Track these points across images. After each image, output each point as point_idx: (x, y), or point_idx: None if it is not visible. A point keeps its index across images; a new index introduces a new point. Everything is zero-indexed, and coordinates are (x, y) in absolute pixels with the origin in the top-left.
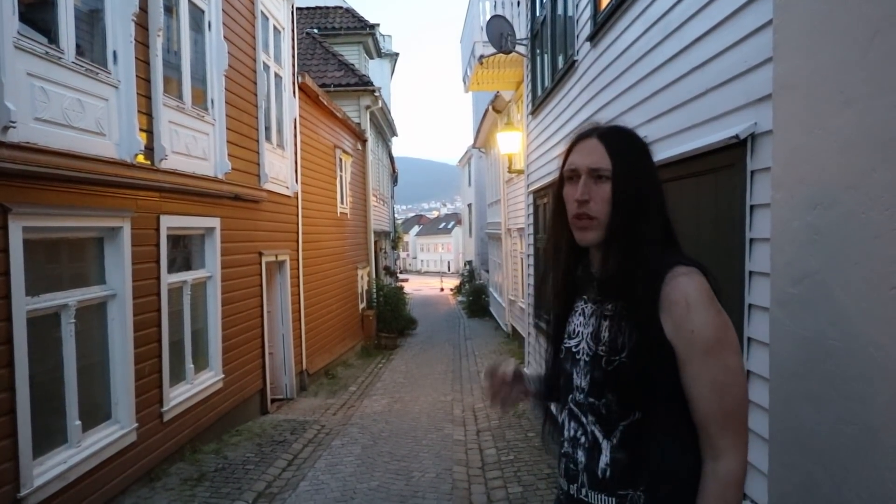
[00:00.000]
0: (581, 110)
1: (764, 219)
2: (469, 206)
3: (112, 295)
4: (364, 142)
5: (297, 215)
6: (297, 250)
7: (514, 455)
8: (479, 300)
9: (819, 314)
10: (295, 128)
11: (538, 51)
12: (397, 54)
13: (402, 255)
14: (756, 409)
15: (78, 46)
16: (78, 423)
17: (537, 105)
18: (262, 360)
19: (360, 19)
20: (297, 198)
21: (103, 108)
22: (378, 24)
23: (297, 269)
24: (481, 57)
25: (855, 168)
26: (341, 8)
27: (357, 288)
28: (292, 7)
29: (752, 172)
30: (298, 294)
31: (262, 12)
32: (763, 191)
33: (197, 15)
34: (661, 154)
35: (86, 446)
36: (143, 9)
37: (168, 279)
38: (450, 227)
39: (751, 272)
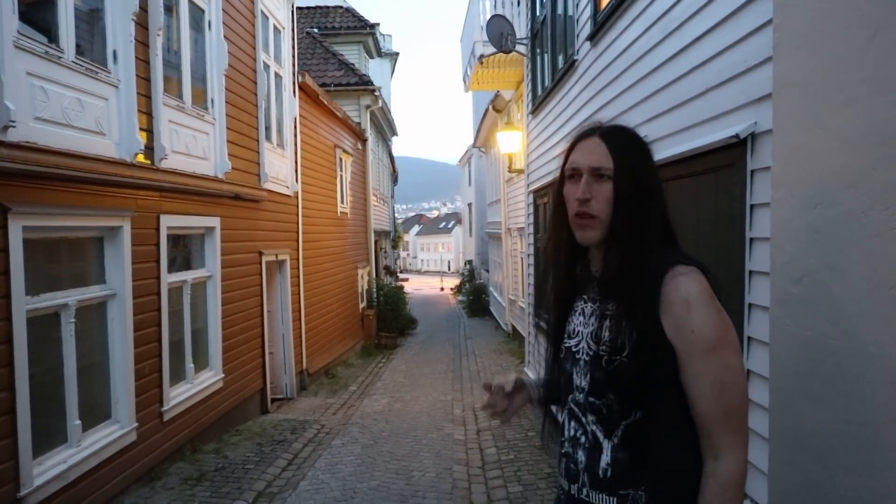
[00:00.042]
0: (581, 110)
1: (764, 218)
2: (469, 205)
3: (112, 294)
4: (364, 141)
5: (298, 215)
6: (298, 250)
7: (514, 454)
8: (479, 300)
9: (819, 313)
10: (295, 127)
11: (538, 50)
12: (397, 54)
13: (403, 254)
14: (756, 409)
15: (78, 46)
16: (78, 422)
17: (537, 104)
18: (263, 359)
19: (361, 19)
20: (297, 197)
21: (103, 108)
22: (378, 24)
23: (298, 268)
24: (481, 56)
25: (855, 167)
26: (341, 7)
27: (357, 287)
28: (292, 6)
29: (752, 172)
30: (298, 293)
31: (262, 12)
32: (763, 190)
33: (197, 14)
34: (661, 153)
35: (86, 446)
36: (143, 8)
37: (168, 279)
38: (450, 226)
39: (751, 271)
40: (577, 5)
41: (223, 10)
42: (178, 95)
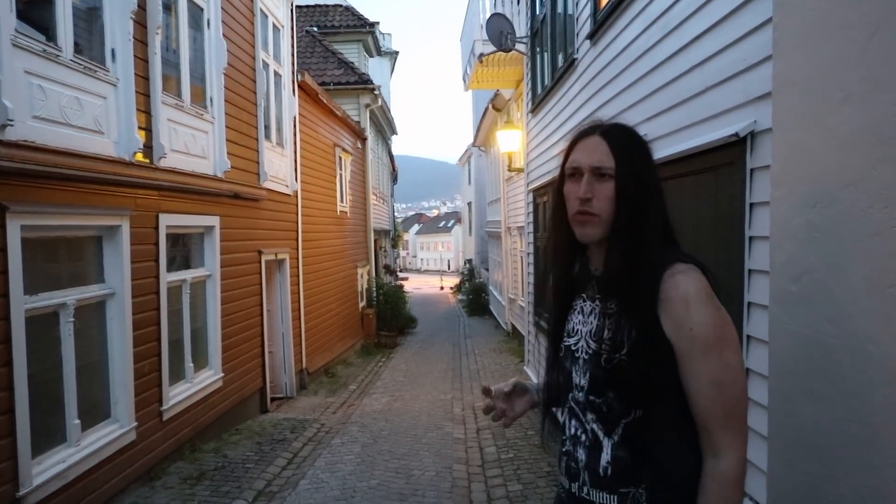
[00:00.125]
0: (581, 108)
1: (763, 217)
2: (469, 204)
3: (111, 294)
4: (364, 140)
5: (297, 214)
6: (297, 249)
7: (513, 453)
8: (478, 299)
9: (818, 312)
10: (294, 126)
11: (538, 49)
12: (397, 53)
13: (402, 253)
14: (755, 407)
15: (76, 44)
16: (77, 422)
17: (537, 103)
18: (262, 358)
19: (360, 17)
20: (296, 196)
21: (102, 106)
22: (378, 23)
23: (297, 267)
24: (481, 55)
25: (854, 165)
26: (341, 6)
27: (357, 286)
28: (291, 5)
29: (752, 170)
30: (298, 293)
31: (261, 10)
32: (763, 189)
33: (196, 13)
34: (661, 152)
35: (85, 445)
36: (142, 6)
37: (167, 278)
38: (450, 225)
39: (750, 270)
40: (577, 4)
41: (222, 8)
42: (176, 94)
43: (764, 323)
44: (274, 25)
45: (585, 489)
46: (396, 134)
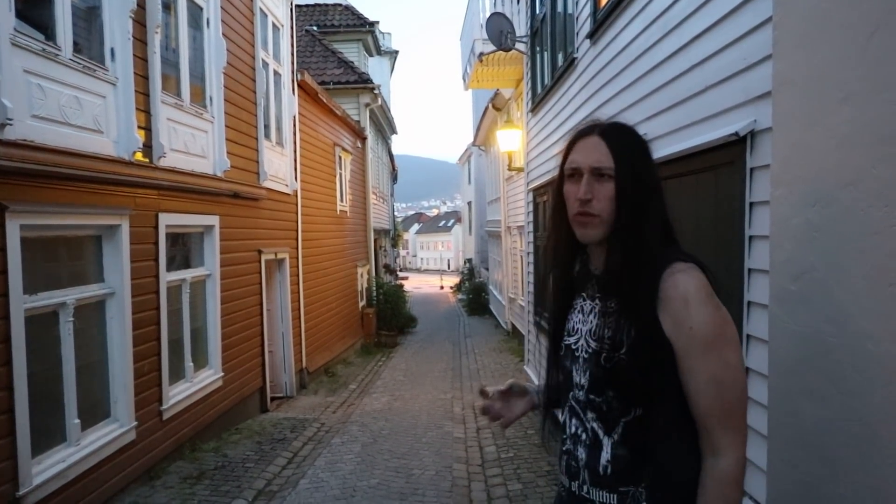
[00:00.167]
0: (581, 108)
1: (763, 216)
2: (469, 203)
3: (111, 293)
4: (363, 139)
5: (297, 213)
6: (297, 248)
7: (513, 452)
8: (478, 298)
9: (818, 311)
10: (294, 125)
11: (538, 48)
12: (397, 52)
13: (402, 253)
14: (755, 406)
15: (75, 43)
16: (77, 421)
17: (537, 103)
18: (262, 358)
19: (360, 17)
20: (296, 196)
21: (101, 106)
22: (377, 22)
23: (297, 267)
24: (481, 54)
25: (854, 164)
26: (340, 5)
27: (357, 286)
28: (291, 4)
29: (752, 170)
30: (298, 292)
31: (260, 9)
32: (762, 188)
33: (195, 12)
34: (661, 151)
35: (85, 445)
36: (141, 6)
37: (167, 277)
38: (449, 225)
39: (750, 269)
40: (577, 3)
41: (221, 7)
42: (176, 93)
43: (764, 322)
44: (273, 24)
45: (585, 488)
46: (396, 133)
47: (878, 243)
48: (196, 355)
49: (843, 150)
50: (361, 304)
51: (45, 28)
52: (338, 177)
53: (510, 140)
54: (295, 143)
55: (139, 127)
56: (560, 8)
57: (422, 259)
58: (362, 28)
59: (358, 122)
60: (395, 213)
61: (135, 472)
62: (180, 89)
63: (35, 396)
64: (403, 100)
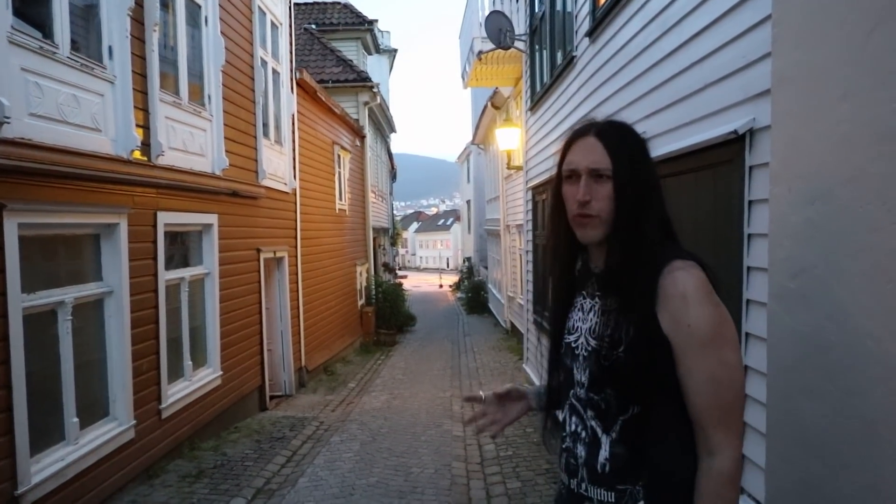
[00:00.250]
0: (580, 106)
1: (762, 214)
2: (468, 202)
3: (109, 292)
4: (362, 138)
5: (296, 212)
6: (296, 247)
7: (512, 451)
8: (477, 297)
9: (817, 308)
10: (293, 124)
11: (537, 47)
12: (396, 50)
13: (401, 251)
14: (754, 404)
15: (73, 41)
16: (75, 420)
17: (536, 101)
18: (261, 356)
19: (359, 15)
20: (295, 194)
21: (99, 104)
22: (376, 20)
23: (296, 265)
24: (480, 53)
25: (853, 162)
26: (339, 3)
27: (356, 284)
28: (290, 2)
29: (751, 168)
30: (297, 291)
31: (259, 7)
32: (761, 186)
33: (193, 10)
34: (660, 150)
35: (83, 443)
36: (139, 4)
37: (165, 276)
38: (449, 223)
39: (749, 267)
40: (576, 1)
41: (220, 5)
42: (174, 92)
43: (763, 320)
44: (272, 23)
45: (584, 485)
46: (395, 132)
47: (878, 241)
48: (195, 354)
49: (842, 147)
50: (360, 302)
51: (43, 26)
52: (337, 175)
53: (509, 138)
54: (294, 141)
55: (137, 125)
56: (559, 6)
57: (421, 258)
58: (361, 26)
59: (357, 120)
60: (394, 212)
61: (133, 471)
62: (179, 87)
63: (33, 395)
64: (402, 98)
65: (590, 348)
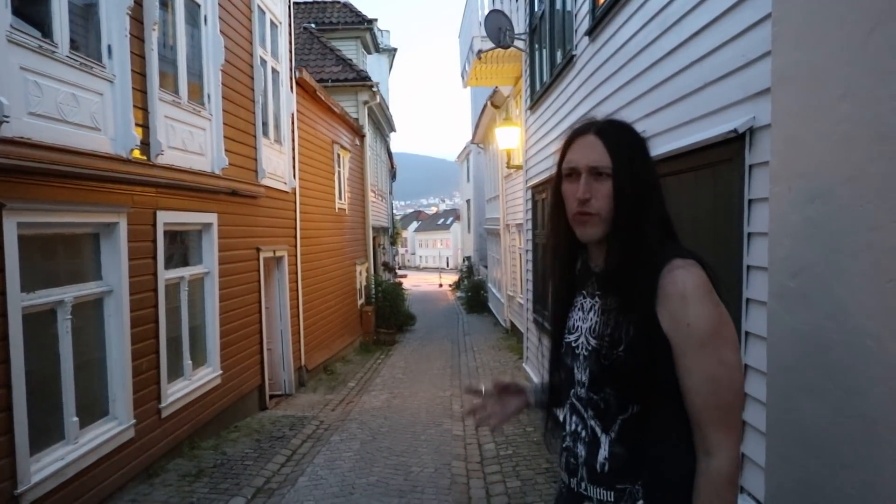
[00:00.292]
0: (580, 105)
1: (762, 213)
2: (468, 201)
3: (108, 291)
4: (362, 137)
5: (295, 211)
6: (296, 246)
7: (512, 450)
8: (477, 296)
9: (817, 307)
10: (292, 123)
11: (536, 46)
12: (395, 49)
13: (401, 250)
14: (754, 403)
15: (72, 40)
16: (75, 419)
17: (536, 100)
18: (261, 356)
19: (358, 14)
20: (294, 193)
21: (98, 103)
22: (376, 19)
23: (296, 264)
24: (480, 52)
25: (853, 160)
26: (339, 2)
27: (355, 284)
28: (289, 1)
29: (751, 167)
30: (297, 290)
31: (258, 6)
32: (761, 185)
33: (193, 9)
34: (659, 148)
35: (83, 443)
36: (138, 3)
37: (165, 275)
38: (448, 222)
39: (749, 266)
40: (576, 0)
41: (219, 4)
42: (174, 91)
43: (762, 319)
44: (271, 22)
45: (584, 485)
46: (395, 131)
47: (878, 239)
48: (195, 353)
49: (841, 146)
50: (360, 301)
51: (42, 25)
52: (336, 174)
53: (509, 138)
54: (293, 140)
55: (137, 124)
56: (559, 5)
57: (420, 257)
58: (361, 25)
59: (356, 119)
60: (394, 211)
61: (133, 470)
62: (178, 87)
63: (33, 394)
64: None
65: (590, 348)
